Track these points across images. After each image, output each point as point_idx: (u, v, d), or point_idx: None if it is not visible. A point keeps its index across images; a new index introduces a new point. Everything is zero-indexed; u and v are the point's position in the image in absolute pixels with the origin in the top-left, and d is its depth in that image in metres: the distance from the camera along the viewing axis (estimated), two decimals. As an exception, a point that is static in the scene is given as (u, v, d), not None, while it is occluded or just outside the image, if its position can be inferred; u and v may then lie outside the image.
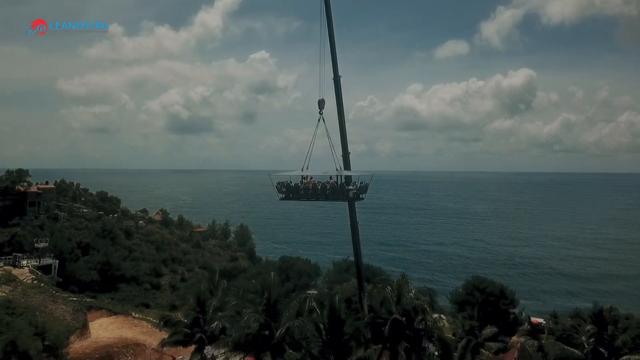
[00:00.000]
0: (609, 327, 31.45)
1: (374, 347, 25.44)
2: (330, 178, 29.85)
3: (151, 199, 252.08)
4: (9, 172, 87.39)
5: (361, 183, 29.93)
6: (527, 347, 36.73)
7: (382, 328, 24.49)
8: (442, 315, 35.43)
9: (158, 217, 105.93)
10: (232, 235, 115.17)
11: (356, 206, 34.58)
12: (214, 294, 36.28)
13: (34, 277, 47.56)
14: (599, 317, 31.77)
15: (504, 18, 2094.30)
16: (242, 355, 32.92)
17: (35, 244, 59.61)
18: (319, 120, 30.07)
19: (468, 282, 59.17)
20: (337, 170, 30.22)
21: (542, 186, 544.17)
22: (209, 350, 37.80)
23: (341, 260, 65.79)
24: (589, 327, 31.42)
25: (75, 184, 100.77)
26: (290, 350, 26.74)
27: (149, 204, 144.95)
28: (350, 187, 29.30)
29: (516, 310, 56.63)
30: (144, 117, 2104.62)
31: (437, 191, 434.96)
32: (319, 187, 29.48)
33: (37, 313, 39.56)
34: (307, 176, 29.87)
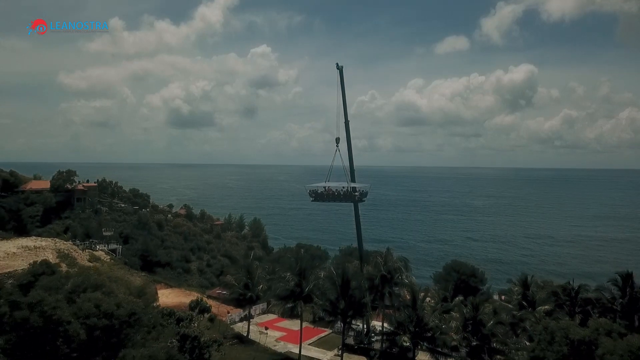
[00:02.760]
0: (531, 288, 46.00)
1: (369, 295, 40.11)
2: (343, 188, 44.70)
3: (156, 193, 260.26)
4: (60, 172, 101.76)
5: (363, 191, 44.98)
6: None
7: (375, 281, 39.09)
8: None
9: (183, 212, 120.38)
10: (247, 227, 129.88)
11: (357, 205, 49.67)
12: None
13: (110, 257, 62.01)
14: (524, 281, 46.36)
15: (504, 13, 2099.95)
16: (275, 311, 47.76)
17: (104, 232, 73.96)
18: (335, 151, 45.02)
19: (447, 265, 73.75)
20: (347, 182, 45.06)
21: (542, 182, 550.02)
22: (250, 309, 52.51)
23: (346, 247, 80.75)
24: (517, 289, 46.01)
25: (113, 182, 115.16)
26: (316, 298, 41.32)
27: (155, 199, 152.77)
28: (356, 193, 44.29)
29: (484, 287, 70.92)
30: (145, 111, 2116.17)
31: (435, 187, 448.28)
32: (336, 193, 44.48)
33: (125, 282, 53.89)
34: (328, 186, 44.84)
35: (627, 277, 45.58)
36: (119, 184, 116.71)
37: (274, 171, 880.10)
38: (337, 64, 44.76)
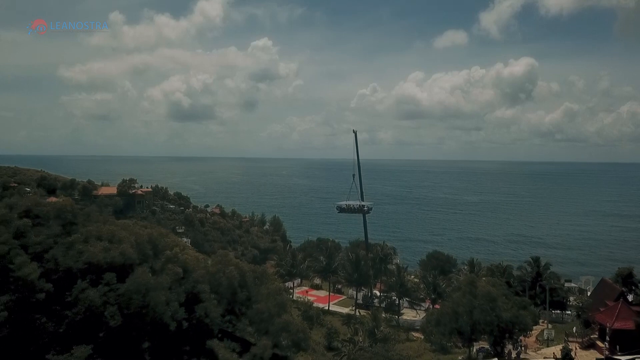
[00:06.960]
0: (475, 267, 72.05)
1: (372, 270, 66.24)
2: (357, 204, 70.71)
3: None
4: (124, 180, 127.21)
5: (369, 206, 71.27)
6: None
7: (375, 261, 65.36)
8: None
9: (217, 211, 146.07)
10: (268, 224, 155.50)
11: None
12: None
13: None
14: (471, 262, 72.50)
15: (503, 8, 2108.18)
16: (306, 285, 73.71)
17: (177, 230, 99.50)
18: (352, 183, 70.69)
19: (429, 254, 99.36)
20: (359, 201, 71.09)
21: (541, 176, 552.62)
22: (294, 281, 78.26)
23: (354, 240, 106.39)
24: (466, 267, 72.14)
25: (164, 187, 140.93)
26: (339, 272, 67.37)
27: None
28: (365, 208, 70.47)
29: (455, 269, 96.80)
30: (146, 104, 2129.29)
31: (433, 182, 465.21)
32: (353, 207, 70.60)
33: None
34: (348, 203, 70.93)
35: (536, 259, 71.67)
36: (167, 189, 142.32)
37: (276, 165, 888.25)
38: (353, 130, 70.71)
